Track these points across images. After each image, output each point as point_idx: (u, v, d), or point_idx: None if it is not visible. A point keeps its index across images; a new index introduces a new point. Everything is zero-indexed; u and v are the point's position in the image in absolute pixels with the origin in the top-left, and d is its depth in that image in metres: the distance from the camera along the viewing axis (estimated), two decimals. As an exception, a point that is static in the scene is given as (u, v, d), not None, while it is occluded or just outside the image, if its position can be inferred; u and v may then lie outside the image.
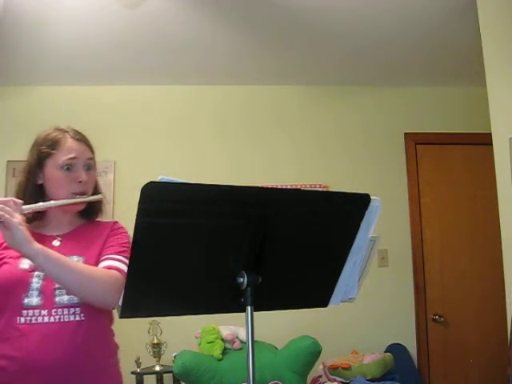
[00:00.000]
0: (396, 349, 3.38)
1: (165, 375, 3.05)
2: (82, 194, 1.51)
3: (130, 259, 1.02)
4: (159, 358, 3.06)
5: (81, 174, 1.51)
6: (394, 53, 3.28)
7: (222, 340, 2.99)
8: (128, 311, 1.07)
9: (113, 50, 3.15)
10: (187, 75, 3.55)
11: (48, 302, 1.40)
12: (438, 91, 3.80)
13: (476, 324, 3.54)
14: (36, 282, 1.41)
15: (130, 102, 3.63)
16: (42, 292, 1.40)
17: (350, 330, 3.43)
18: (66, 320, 1.39)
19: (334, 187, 3.41)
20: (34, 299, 1.39)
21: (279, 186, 3.28)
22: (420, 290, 3.59)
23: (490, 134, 2.40)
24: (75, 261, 1.43)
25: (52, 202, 1.45)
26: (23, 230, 1.28)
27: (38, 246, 1.30)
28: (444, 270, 3.63)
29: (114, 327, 1.57)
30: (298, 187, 3.42)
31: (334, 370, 3.00)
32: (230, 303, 1.11)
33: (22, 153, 4.00)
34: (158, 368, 3.02)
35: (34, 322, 1.38)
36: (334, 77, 3.63)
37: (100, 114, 3.56)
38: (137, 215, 1.00)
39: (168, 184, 1.00)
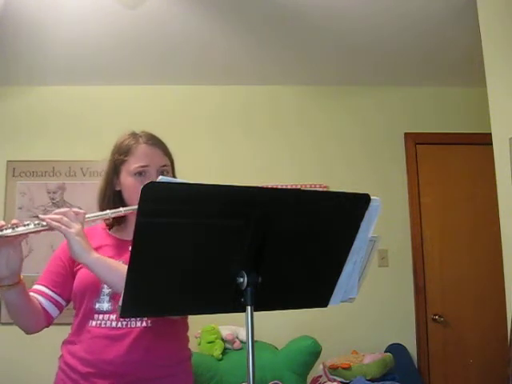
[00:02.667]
0: (396, 349, 3.38)
1: (165, 375, 3.05)
2: None
3: (130, 259, 1.02)
4: (159, 358, 3.05)
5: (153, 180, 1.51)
6: (393, 52, 3.28)
7: (222, 340, 3.00)
8: (128, 311, 1.07)
9: (113, 50, 3.15)
10: (185, 75, 3.55)
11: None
12: (437, 91, 3.80)
13: (476, 324, 3.54)
14: (107, 287, 1.43)
15: (129, 101, 3.63)
16: (112, 298, 1.43)
17: (350, 329, 3.43)
18: (133, 326, 1.42)
19: (334, 187, 3.41)
20: (104, 304, 1.44)
21: (279, 186, 3.28)
22: (420, 290, 3.59)
23: (490, 134, 2.40)
24: None
25: (121, 208, 1.44)
26: (79, 241, 1.29)
27: (94, 255, 1.32)
28: (444, 269, 3.63)
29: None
30: (298, 187, 3.42)
31: (333, 370, 3.00)
32: (230, 303, 1.10)
33: (22, 153, 4.00)
34: (157, 368, 3.02)
35: (103, 325, 1.42)
36: (334, 76, 3.63)
37: (99, 114, 3.56)
38: (137, 215, 0.99)
39: (168, 184, 1.00)
